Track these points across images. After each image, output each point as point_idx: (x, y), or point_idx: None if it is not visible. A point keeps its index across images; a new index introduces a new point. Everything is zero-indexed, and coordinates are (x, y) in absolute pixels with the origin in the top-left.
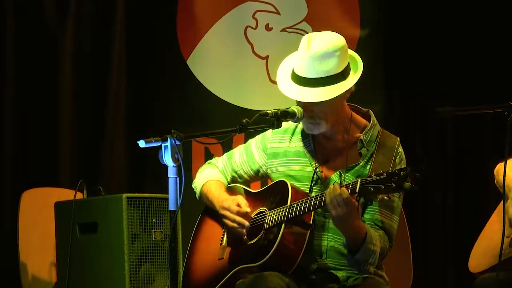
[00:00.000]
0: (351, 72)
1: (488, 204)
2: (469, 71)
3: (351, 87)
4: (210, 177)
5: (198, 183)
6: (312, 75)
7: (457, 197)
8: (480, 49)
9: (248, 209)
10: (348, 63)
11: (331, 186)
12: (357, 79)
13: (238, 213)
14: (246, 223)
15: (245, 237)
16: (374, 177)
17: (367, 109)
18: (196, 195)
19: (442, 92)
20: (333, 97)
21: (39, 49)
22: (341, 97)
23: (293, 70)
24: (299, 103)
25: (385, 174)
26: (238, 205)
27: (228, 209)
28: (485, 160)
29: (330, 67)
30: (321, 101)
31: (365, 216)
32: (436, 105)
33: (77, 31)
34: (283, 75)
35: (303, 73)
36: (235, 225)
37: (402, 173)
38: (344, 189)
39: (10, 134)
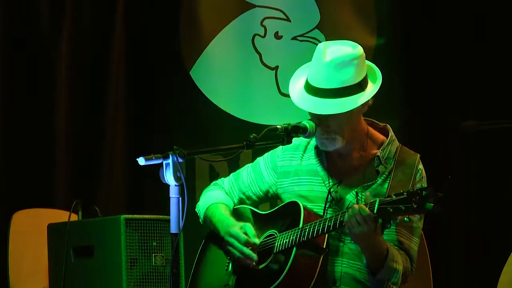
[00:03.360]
0: (369, 83)
1: None
2: (496, 82)
3: (368, 100)
4: (214, 200)
5: (201, 206)
6: (328, 85)
7: (483, 218)
8: (507, 58)
9: (257, 241)
10: (366, 73)
11: (353, 206)
12: (376, 90)
13: (247, 244)
14: (255, 257)
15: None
16: (394, 197)
17: (384, 124)
18: (200, 219)
19: (466, 105)
20: (350, 109)
21: (33, 61)
22: (358, 111)
23: (307, 81)
24: (313, 117)
25: (405, 193)
26: (246, 234)
27: (236, 238)
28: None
29: (348, 76)
30: (338, 114)
31: (383, 237)
32: (459, 119)
33: (74, 42)
34: (296, 86)
35: (318, 83)
36: (242, 256)
37: (423, 192)
38: (363, 206)
39: (0, 150)
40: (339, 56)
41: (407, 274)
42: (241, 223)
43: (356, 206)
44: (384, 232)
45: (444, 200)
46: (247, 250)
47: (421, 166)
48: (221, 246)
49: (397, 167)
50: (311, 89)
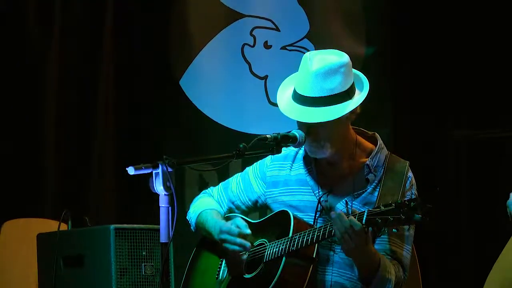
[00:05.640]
0: (357, 91)
1: (506, 234)
2: (485, 90)
3: (356, 108)
4: (205, 207)
5: (192, 213)
6: (316, 93)
7: (473, 227)
8: (496, 66)
9: (249, 231)
10: (353, 82)
11: (337, 213)
12: (364, 97)
13: (239, 235)
14: (248, 244)
15: (244, 270)
16: (383, 207)
17: (373, 132)
18: (191, 227)
19: (456, 114)
20: (339, 116)
21: (22, 74)
22: (346, 119)
23: (294, 90)
24: (302, 126)
25: (394, 205)
26: (237, 226)
27: (228, 232)
28: (503, 188)
29: (335, 84)
30: (326, 122)
31: (375, 246)
32: (449, 128)
33: (62, 52)
34: (283, 96)
35: (306, 92)
36: (235, 247)
37: (412, 204)
38: (353, 219)
39: None
40: (326, 65)
41: (400, 283)
42: (232, 220)
43: (345, 219)
44: (376, 242)
45: (432, 211)
46: (240, 240)
47: (410, 174)
48: (212, 253)
49: (387, 175)
50: (298, 98)
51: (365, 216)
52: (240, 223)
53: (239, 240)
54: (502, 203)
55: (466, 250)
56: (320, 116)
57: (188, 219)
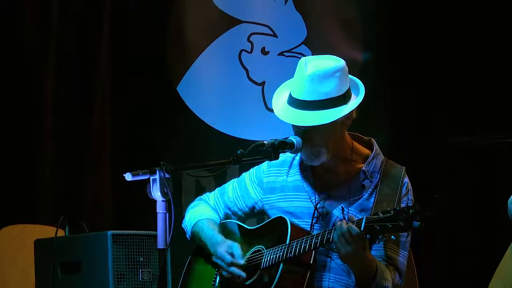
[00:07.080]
0: (353, 96)
1: (505, 241)
2: (484, 95)
3: (352, 113)
4: (201, 215)
5: (188, 222)
6: (311, 97)
7: (470, 233)
8: (495, 72)
9: (242, 262)
10: (349, 87)
11: (338, 223)
12: (359, 102)
13: (232, 265)
14: (242, 275)
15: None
16: (381, 214)
17: (369, 138)
18: (187, 235)
19: (454, 120)
20: (333, 120)
21: (18, 81)
22: (342, 124)
23: (290, 94)
24: (297, 131)
25: (392, 211)
26: (232, 255)
27: (222, 259)
28: (500, 193)
29: (330, 88)
30: (321, 126)
31: (372, 253)
32: (447, 134)
33: (60, 54)
34: (279, 100)
35: (301, 95)
36: (228, 276)
37: (410, 211)
38: (351, 224)
39: None
40: (321, 69)
41: None
42: (229, 242)
43: (344, 224)
44: (373, 248)
45: (431, 218)
46: (234, 270)
47: (406, 179)
48: (208, 261)
49: (383, 181)
50: (293, 102)
51: (363, 223)
52: (236, 250)
53: (232, 270)
54: (501, 208)
55: (465, 253)
56: (314, 119)
57: (184, 227)
